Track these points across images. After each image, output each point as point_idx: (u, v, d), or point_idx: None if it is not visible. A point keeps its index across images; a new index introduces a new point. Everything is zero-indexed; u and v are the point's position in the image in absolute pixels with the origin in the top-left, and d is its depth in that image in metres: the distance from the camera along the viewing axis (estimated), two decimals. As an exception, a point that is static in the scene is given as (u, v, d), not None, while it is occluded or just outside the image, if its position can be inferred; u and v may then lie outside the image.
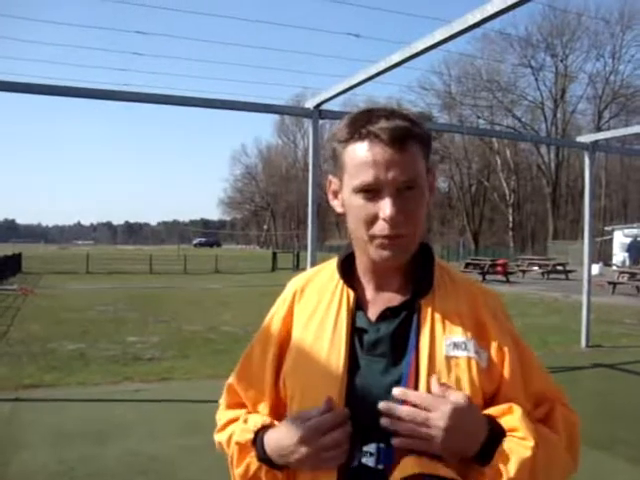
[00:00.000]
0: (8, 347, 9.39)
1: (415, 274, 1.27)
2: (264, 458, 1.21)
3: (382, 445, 1.14)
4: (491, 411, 1.16)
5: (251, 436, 1.24)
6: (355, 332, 1.24)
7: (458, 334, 1.20)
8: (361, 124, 1.17)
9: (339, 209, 1.27)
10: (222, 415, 1.39)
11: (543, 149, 55.58)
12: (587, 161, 10.05)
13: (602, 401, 6.65)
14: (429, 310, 1.22)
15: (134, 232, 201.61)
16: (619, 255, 35.07)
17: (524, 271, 29.96)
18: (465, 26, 5.00)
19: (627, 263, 31.06)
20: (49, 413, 5.99)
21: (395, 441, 1.10)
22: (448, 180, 66.07)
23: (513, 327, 1.30)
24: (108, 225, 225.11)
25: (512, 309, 13.51)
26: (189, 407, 6.24)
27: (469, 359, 1.18)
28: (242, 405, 1.37)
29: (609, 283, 20.93)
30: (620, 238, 36.41)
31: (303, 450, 1.14)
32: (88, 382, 7.29)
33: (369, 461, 1.14)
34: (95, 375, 7.63)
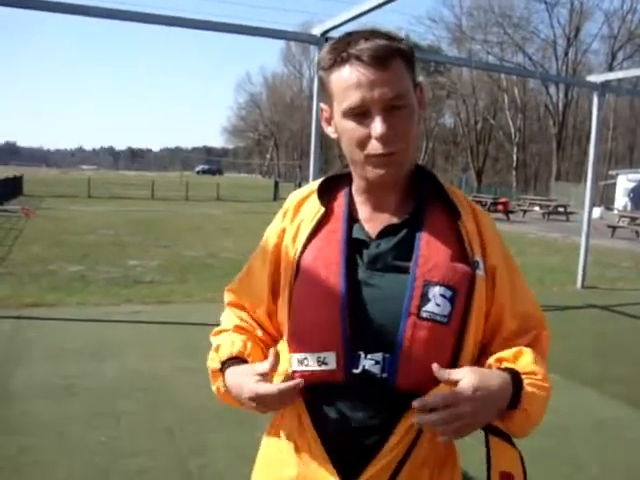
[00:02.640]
0: (10, 267, 9.50)
1: (415, 194, 1.30)
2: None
3: (387, 355, 1.18)
4: (503, 355, 1.23)
5: (218, 366, 1.35)
6: (354, 245, 1.27)
7: (477, 253, 1.27)
8: (342, 48, 1.19)
9: (333, 135, 1.30)
10: (223, 316, 1.49)
11: (552, 89, 54.57)
12: (596, 102, 9.89)
13: (594, 340, 6.77)
14: (464, 231, 1.27)
15: (136, 158, 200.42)
16: (621, 199, 34.96)
17: (525, 211, 29.96)
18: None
19: (629, 208, 30.98)
20: (50, 331, 6.11)
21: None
22: (454, 116, 65.30)
23: (505, 246, 1.36)
24: (110, 150, 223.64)
25: (511, 247, 13.36)
26: (187, 329, 6.36)
27: (482, 278, 1.25)
28: (242, 306, 1.46)
29: (608, 226, 20.93)
30: (624, 183, 36.17)
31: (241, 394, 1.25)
32: (88, 303, 7.40)
33: (374, 368, 1.19)
34: (95, 296, 7.75)
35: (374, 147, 1.19)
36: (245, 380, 1.23)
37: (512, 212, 27.54)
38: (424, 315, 1.18)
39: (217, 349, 1.37)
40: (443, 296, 1.19)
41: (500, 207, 26.80)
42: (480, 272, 1.24)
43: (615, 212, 28.93)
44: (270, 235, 1.41)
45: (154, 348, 5.69)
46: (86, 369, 5.03)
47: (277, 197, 34.32)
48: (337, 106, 1.22)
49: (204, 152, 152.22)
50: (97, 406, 4.29)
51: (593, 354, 6.15)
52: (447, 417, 1.08)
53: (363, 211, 1.31)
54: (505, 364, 1.20)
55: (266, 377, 1.20)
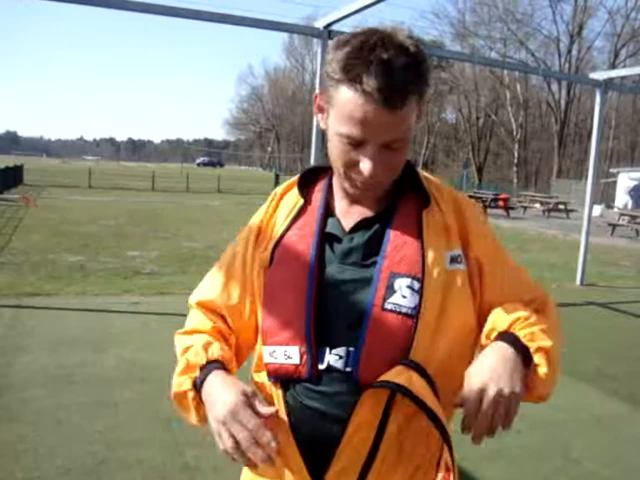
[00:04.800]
0: (10, 256, 9.51)
1: (392, 188, 1.27)
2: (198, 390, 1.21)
3: (351, 349, 1.17)
4: (488, 327, 1.20)
5: (202, 362, 1.23)
6: (327, 239, 1.27)
7: (455, 247, 1.23)
8: (357, 70, 1.08)
9: (322, 125, 1.25)
10: (194, 314, 1.45)
11: (554, 86, 54.42)
12: (598, 99, 9.85)
13: (591, 337, 6.78)
14: (430, 221, 1.24)
15: (137, 149, 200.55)
16: (622, 198, 34.89)
17: (525, 207, 29.94)
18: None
19: (629, 206, 30.96)
20: (49, 321, 6.12)
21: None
22: (456, 112, 65.18)
23: (493, 237, 1.32)
24: (111, 141, 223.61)
25: (511, 244, 13.58)
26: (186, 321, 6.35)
27: (463, 272, 1.22)
28: (215, 311, 1.41)
29: (609, 224, 20.91)
30: (625, 181, 36.05)
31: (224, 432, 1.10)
32: (88, 293, 7.42)
33: (338, 363, 1.18)
34: (94, 287, 7.76)
35: (358, 175, 1.17)
36: (230, 390, 1.13)
37: (512, 208, 27.56)
38: (388, 307, 1.17)
39: (205, 346, 1.25)
40: (410, 288, 1.17)
41: (500, 203, 26.84)
42: (460, 266, 1.22)
43: (615, 210, 28.90)
44: (255, 223, 1.40)
45: (153, 339, 5.70)
46: (85, 359, 5.04)
47: (277, 190, 34.36)
48: (334, 119, 1.16)
49: (205, 144, 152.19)
50: (95, 396, 4.30)
51: (591, 351, 6.16)
52: (483, 413, 1.05)
53: (340, 204, 1.30)
54: (494, 334, 1.18)
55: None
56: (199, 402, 1.21)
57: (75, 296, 7.22)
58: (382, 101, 1.07)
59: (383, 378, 1.11)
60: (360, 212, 1.27)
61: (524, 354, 1.12)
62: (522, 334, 1.14)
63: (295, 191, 1.35)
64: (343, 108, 1.12)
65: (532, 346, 1.13)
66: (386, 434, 1.15)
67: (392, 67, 1.07)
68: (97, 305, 6.81)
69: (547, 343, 1.13)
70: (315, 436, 1.19)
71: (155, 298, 7.38)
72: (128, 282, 8.16)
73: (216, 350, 1.24)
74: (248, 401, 1.10)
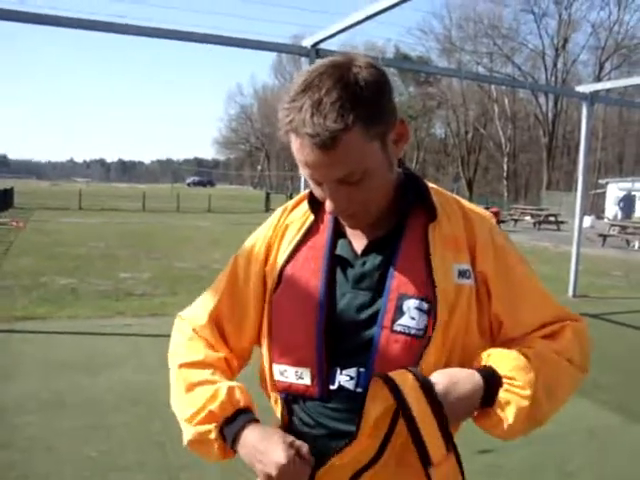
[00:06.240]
0: (0, 280, 9.44)
1: (400, 204, 1.26)
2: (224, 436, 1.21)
3: (362, 369, 1.18)
4: (493, 352, 1.19)
5: (227, 414, 1.21)
6: (338, 262, 1.26)
7: (464, 260, 1.22)
8: (291, 117, 1.09)
9: None
10: (186, 337, 1.39)
11: (541, 99, 54.93)
12: (585, 112, 9.95)
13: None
14: (437, 236, 1.22)
15: (128, 170, 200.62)
16: (612, 208, 35.09)
17: (516, 220, 30.06)
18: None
19: (619, 217, 31.13)
20: (41, 344, 6.07)
21: None
22: (444, 127, 65.58)
23: (508, 252, 1.28)
24: (101, 162, 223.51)
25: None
26: (179, 342, 6.32)
27: (470, 288, 1.21)
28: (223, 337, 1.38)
29: (599, 235, 21.01)
30: (614, 192, 36.35)
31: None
32: (79, 316, 7.36)
33: (349, 384, 1.19)
34: (86, 309, 7.70)
35: (329, 209, 1.19)
36: (278, 446, 1.14)
37: (503, 222, 27.65)
38: (397, 329, 1.17)
39: (230, 393, 1.23)
40: (419, 309, 1.17)
41: (491, 217, 26.92)
42: (468, 281, 1.21)
43: (606, 221, 29.04)
44: (258, 240, 1.40)
45: (145, 361, 5.66)
46: (77, 382, 5.00)
47: (268, 208, 34.39)
48: None
49: (195, 163, 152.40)
50: (87, 420, 4.26)
51: (584, 363, 6.15)
52: None
53: None
54: (491, 362, 1.17)
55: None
56: (225, 448, 1.22)
57: (67, 319, 7.17)
58: (314, 145, 1.07)
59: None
60: (370, 232, 1.25)
61: (491, 400, 1.15)
62: (502, 396, 1.14)
63: (305, 206, 1.34)
64: (293, 152, 1.13)
65: (494, 413, 1.15)
66: (389, 446, 1.14)
67: (320, 108, 1.06)
68: (89, 328, 6.76)
69: (509, 418, 1.13)
70: (322, 450, 1.18)
71: (147, 320, 7.33)
72: (120, 304, 8.12)
73: (241, 396, 1.24)
74: (297, 454, 1.14)
